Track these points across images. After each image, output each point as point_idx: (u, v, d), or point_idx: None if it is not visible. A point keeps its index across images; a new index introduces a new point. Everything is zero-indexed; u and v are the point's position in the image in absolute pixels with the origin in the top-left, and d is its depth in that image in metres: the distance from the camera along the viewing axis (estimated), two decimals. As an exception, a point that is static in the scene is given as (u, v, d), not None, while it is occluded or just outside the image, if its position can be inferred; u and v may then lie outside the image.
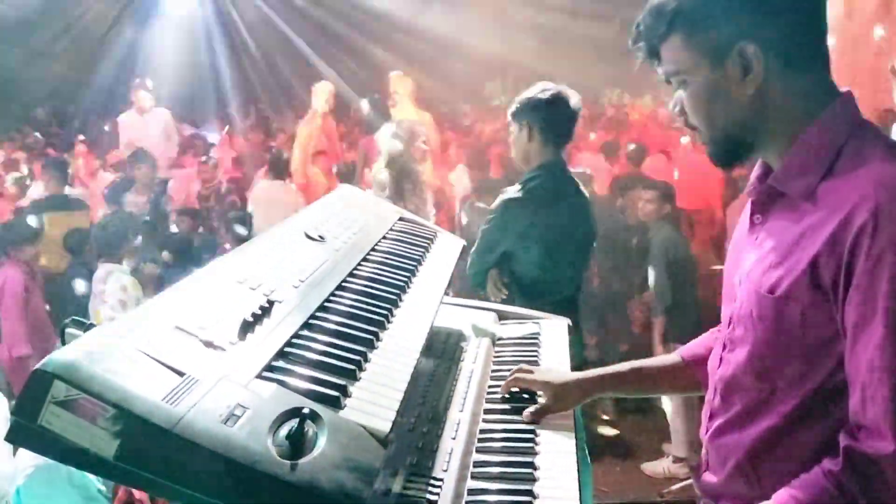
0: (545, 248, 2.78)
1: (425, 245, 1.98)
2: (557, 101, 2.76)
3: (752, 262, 1.24)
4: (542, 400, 1.62)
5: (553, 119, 2.78)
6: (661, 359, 1.64)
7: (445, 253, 2.01)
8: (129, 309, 4.00)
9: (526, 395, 1.67)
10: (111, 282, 4.16)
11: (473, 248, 2.89)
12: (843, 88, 1.21)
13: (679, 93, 1.25)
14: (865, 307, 1.06)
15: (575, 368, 1.80)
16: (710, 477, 1.33)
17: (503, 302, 2.79)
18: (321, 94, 6.81)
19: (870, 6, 8.54)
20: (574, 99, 2.80)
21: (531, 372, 1.68)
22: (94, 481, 2.45)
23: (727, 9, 1.14)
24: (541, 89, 2.79)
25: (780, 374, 1.18)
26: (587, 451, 1.60)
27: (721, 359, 1.32)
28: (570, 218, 2.78)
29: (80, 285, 4.46)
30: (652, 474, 4.08)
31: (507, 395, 1.67)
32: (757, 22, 1.13)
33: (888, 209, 1.05)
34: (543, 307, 2.26)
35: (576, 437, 1.56)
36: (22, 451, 2.49)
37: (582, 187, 2.99)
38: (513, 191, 2.87)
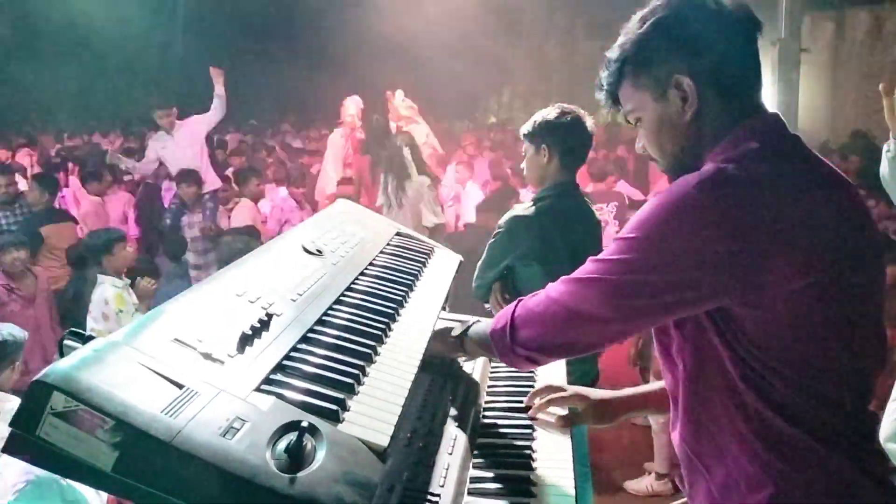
0: (548, 268, 2.77)
1: (422, 260, 1.98)
2: (577, 125, 2.76)
3: None
4: (578, 409, 1.68)
5: (573, 143, 2.78)
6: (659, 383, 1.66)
7: (442, 268, 2.02)
8: (111, 322, 3.99)
9: (529, 407, 1.69)
10: (96, 293, 4.16)
11: (480, 261, 2.93)
12: (770, 111, 1.29)
13: (640, 131, 1.36)
14: None
15: (588, 385, 1.83)
16: (685, 481, 1.36)
17: None
18: (351, 108, 6.86)
19: (861, 27, 8.65)
20: (590, 122, 2.81)
21: (564, 390, 1.71)
22: (87, 497, 2.43)
23: (662, 48, 1.27)
24: (560, 112, 2.77)
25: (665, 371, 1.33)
26: (589, 467, 1.60)
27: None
28: (577, 240, 2.77)
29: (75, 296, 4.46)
30: (635, 492, 4.05)
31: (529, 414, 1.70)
32: (688, 56, 1.25)
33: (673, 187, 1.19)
34: None
35: (577, 453, 1.56)
36: (11, 467, 2.47)
37: (596, 212, 3.00)
38: (521, 208, 2.87)
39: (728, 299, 1.15)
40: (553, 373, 1.90)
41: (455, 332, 1.59)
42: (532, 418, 1.68)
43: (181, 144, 6.54)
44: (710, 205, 1.13)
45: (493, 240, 2.89)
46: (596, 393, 1.70)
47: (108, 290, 4.13)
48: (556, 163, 2.79)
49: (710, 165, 1.19)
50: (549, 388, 1.72)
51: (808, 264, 1.12)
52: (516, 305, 1.40)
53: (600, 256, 1.24)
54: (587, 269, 1.26)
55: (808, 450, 1.16)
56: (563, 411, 1.68)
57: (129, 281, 4.24)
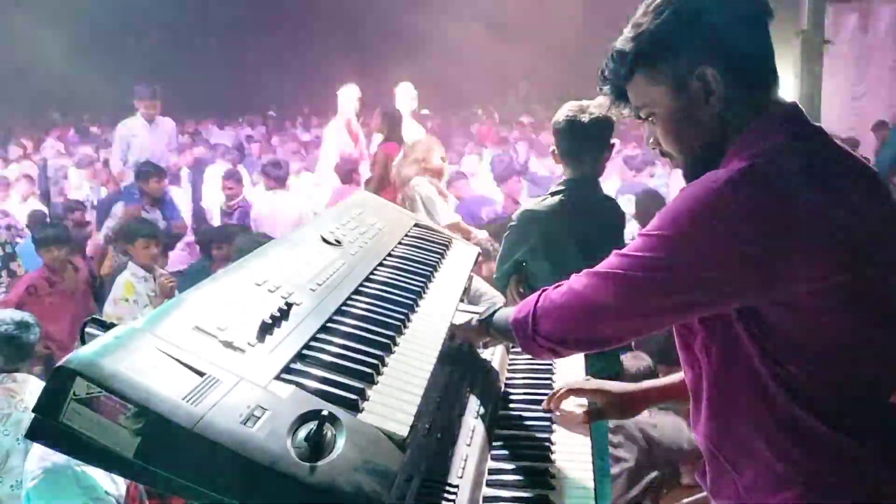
0: (557, 263, 2.77)
1: (440, 251, 1.98)
2: (571, 123, 2.75)
3: None
4: (599, 404, 1.67)
5: (568, 140, 2.79)
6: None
7: (460, 260, 2.01)
8: (118, 307, 4.07)
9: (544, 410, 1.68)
10: (118, 279, 4.26)
11: (499, 253, 2.98)
12: (789, 101, 1.26)
13: (651, 126, 1.31)
14: None
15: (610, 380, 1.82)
16: (708, 478, 1.34)
17: None
18: (348, 98, 6.83)
19: (884, 20, 8.52)
20: (590, 117, 2.77)
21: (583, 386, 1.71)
22: (102, 483, 2.45)
23: (683, 39, 1.22)
24: (559, 112, 2.80)
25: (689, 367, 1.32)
26: (607, 462, 1.59)
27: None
28: (588, 236, 2.75)
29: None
30: None
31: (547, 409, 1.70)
32: (711, 46, 1.21)
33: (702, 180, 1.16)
34: None
35: (596, 448, 1.55)
36: (30, 455, 2.51)
37: (619, 207, 3.00)
38: (533, 202, 2.89)
39: (757, 298, 1.13)
40: (572, 363, 1.90)
41: (480, 317, 1.59)
42: (549, 410, 1.67)
43: (157, 138, 6.37)
44: (740, 203, 1.10)
45: (506, 233, 2.93)
46: (616, 387, 1.69)
47: (123, 277, 4.20)
48: (562, 160, 2.83)
49: (738, 161, 1.16)
50: (569, 390, 1.71)
51: (839, 261, 1.10)
52: (539, 296, 1.38)
53: (625, 251, 1.22)
54: (612, 262, 1.24)
55: (838, 448, 1.14)
56: (583, 407, 1.68)
57: (149, 273, 4.27)
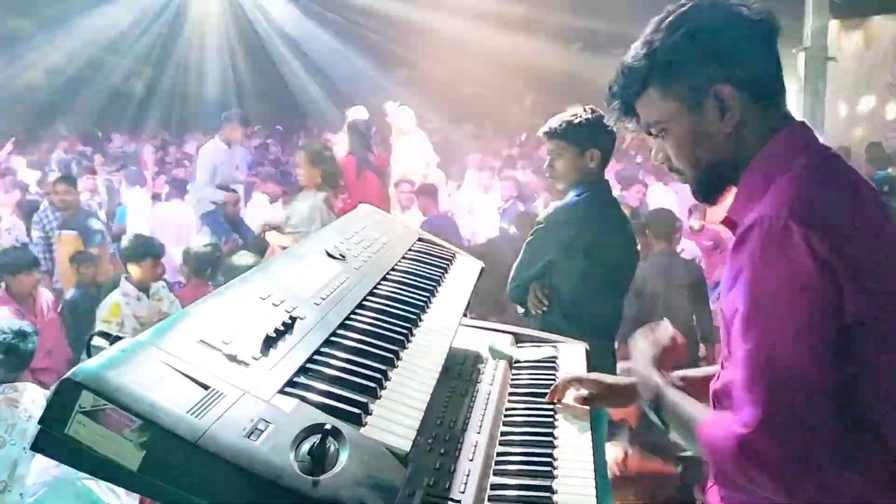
0: (588, 262, 2.77)
1: (444, 266, 1.98)
2: (606, 123, 2.74)
3: (722, 290, 1.29)
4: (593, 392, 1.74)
5: (605, 139, 2.79)
6: (704, 369, 1.66)
7: (464, 274, 2.02)
8: (105, 325, 4.00)
9: (550, 415, 1.72)
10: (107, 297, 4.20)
11: (517, 261, 2.93)
12: (798, 119, 1.27)
13: (659, 141, 1.31)
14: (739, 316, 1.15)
15: None
16: (713, 489, 1.33)
17: (542, 316, 2.84)
18: (353, 118, 6.89)
19: (888, 37, 8.55)
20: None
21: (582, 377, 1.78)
22: (103, 497, 2.45)
23: (699, 56, 1.22)
24: (592, 111, 2.77)
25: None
26: (608, 478, 1.59)
27: (718, 375, 1.36)
28: (615, 238, 2.78)
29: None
30: None
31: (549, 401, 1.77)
32: (728, 64, 1.21)
33: (761, 228, 1.11)
34: (581, 328, 2.28)
35: (598, 463, 1.55)
36: (31, 468, 2.51)
37: (625, 211, 3.03)
38: (561, 204, 2.88)
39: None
40: (574, 369, 1.93)
41: (656, 393, 1.42)
42: (552, 402, 1.74)
43: (233, 162, 6.40)
44: (816, 257, 1.07)
45: (531, 237, 2.90)
46: (611, 379, 1.75)
47: (111, 298, 4.15)
48: (598, 163, 2.81)
49: (778, 195, 1.13)
50: (571, 378, 1.78)
51: (870, 292, 1.09)
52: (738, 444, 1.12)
53: (751, 349, 1.11)
54: (755, 387, 1.10)
55: (855, 489, 1.10)
56: (581, 393, 1.75)
57: (143, 292, 4.18)
